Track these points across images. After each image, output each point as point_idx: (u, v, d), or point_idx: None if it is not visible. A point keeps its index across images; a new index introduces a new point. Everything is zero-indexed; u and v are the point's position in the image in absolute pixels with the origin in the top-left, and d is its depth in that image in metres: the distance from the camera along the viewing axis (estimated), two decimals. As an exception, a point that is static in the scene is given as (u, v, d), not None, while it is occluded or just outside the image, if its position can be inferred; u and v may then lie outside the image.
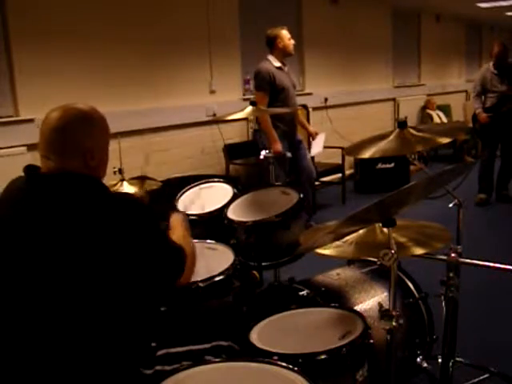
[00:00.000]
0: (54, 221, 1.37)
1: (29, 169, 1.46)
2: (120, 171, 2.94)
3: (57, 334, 1.35)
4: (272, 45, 4.52)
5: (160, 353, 1.59)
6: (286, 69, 4.61)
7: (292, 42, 4.55)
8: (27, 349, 1.36)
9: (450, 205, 2.02)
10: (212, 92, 5.36)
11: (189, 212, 2.68)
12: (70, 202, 1.39)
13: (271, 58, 4.53)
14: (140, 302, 1.48)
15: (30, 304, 1.36)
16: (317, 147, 4.96)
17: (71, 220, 1.36)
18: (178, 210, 2.31)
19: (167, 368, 1.54)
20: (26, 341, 1.37)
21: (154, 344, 1.59)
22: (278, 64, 4.51)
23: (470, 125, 5.79)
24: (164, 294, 1.63)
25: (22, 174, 1.47)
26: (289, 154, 3.86)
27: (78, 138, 1.45)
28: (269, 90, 4.41)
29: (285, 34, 4.50)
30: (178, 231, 1.82)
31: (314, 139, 4.94)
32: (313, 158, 5.72)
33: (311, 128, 5.07)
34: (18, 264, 1.38)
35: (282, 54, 4.53)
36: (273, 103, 4.40)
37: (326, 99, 6.74)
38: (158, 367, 1.54)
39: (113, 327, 1.41)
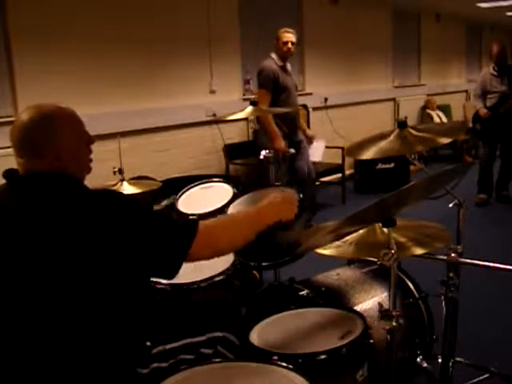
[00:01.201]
0: (28, 223, 1.36)
1: (8, 172, 1.46)
2: (120, 171, 2.93)
3: (51, 335, 1.34)
4: (275, 44, 4.56)
5: (155, 350, 1.58)
6: (288, 69, 4.63)
7: (288, 46, 4.52)
8: (22, 351, 1.35)
9: (450, 205, 2.02)
10: (212, 92, 5.36)
11: (189, 212, 2.68)
12: (41, 201, 1.38)
13: (275, 56, 4.54)
14: (137, 294, 1.46)
15: (20, 306, 1.35)
16: (314, 155, 4.96)
17: (44, 222, 1.35)
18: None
19: (164, 365, 1.54)
20: (20, 342, 1.36)
21: (148, 343, 1.58)
22: (280, 63, 4.53)
23: (470, 125, 5.80)
24: (171, 270, 1.50)
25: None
26: (292, 150, 3.87)
27: (39, 139, 1.43)
28: (272, 89, 4.41)
29: (282, 35, 4.52)
30: (254, 210, 1.72)
31: (310, 143, 4.94)
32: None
33: (309, 131, 5.07)
34: (5, 269, 1.37)
35: (281, 56, 4.56)
36: (274, 102, 4.41)
37: (325, 99, 6.74)
38: (155, 365, 1.53)
39: (106, 326, 1.39)
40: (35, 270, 1.34)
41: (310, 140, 4.96)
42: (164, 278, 1.54)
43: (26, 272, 1.35)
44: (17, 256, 1.36)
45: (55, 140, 1.44)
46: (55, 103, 1.50)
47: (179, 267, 1.48)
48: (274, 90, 4.42)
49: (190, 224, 1.54)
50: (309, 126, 6.05)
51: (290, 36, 4.53)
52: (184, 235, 1.49)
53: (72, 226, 1.34)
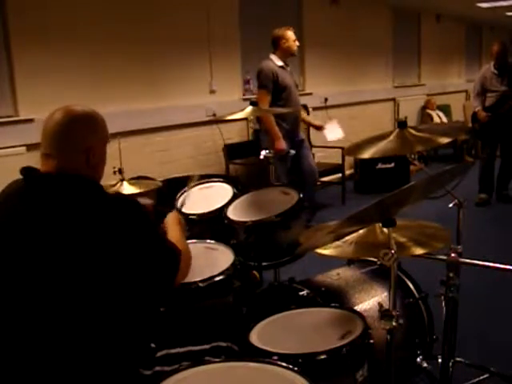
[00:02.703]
0: (50, 222, 1.38)
1: (26, 170, 1.47)
2: (120, 171, 2.93)
3: (55, 335, 1.35)
4: (276, 44, 4.56)
5: (160, 354, 1.59)
6: (288, 68, 4.64)
7: (296, 43, 4.62)
8: (26, 350, 1.36)
9: (450, 205, 2.02)
10: (212, 92, 5.36)
11: (189, 212, 2.68)
12: (66, 203, 1.40)
13: (274, 57, 4.55)
14: (137, 302, 1.48)
15: (28, 305, 1.36)
16: (332, 134, 4.96)
17: (67, 221, 1.37)
18: (175, 209, 2.29)
19: (167, 369, 1.54)
20: (25, 342, 1.37)
21: (153, 345, 1.58)
22: (280, 63, 4.54)
23: (470, 125, 5.79)
24: (160, 295, 1.62)
25: (20, 175, 1.48)
26: (292, 152, 3.88)
27: (81, 136, 1.49)
28: (272, 89, 4.42)
29: (290, 34, 4.56)
30: (173, 230, 1.83)
31: (324, 129, 4.96)
32: (312, 157, 5.74)
33: (316, 122, 5.09)
34: (15, 267, 1.38)
35: (286, 54, 4.57)
36: (275, 102, 4.42)
37: (326, 99, 6.74)
38: (158, 368, 1.54)
39: (111, 327, 1.40)
40: (40, 271, 1.35)
41: (321, 128, 4.98)
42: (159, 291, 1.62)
43: (32, 273, 1.36)
44: (26, 256, 1.37)
45: (90, 138, 1.50)
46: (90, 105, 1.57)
47: (170, 287, 1.58)
48: (274, 90, 4.43)
49: (176, 253, 1.60)
50: (309, 126, 6.05)
51: (293, 33, 4.60)
52: (172, 263, 1.58)
53: (81, 229, 1.36)
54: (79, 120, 1.49)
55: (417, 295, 2.24)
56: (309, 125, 5.09)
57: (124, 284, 1.41)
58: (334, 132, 4.96)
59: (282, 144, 4.34)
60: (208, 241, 2.41)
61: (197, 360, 1.60)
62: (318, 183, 6.17)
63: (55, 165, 1.45)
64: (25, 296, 1.37)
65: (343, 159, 6.09)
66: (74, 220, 1.37)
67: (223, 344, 1.70)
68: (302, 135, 4.83)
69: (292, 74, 4.71)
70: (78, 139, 1.48)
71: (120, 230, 1.41)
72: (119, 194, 1.60)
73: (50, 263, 1.35)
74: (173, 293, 1.75)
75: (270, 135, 4.39)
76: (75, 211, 1.39)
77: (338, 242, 1.83)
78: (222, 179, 2.97)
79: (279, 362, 1.46)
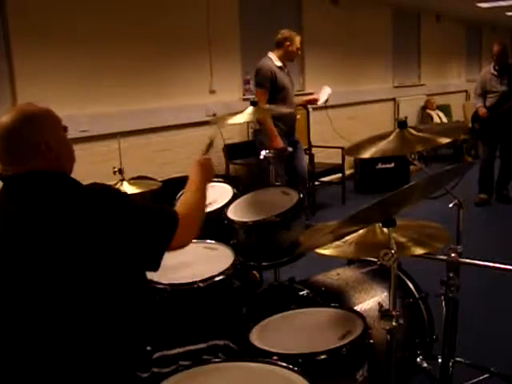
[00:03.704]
0: (25, 222, 1.36)
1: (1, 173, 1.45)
2: (120, 171, 2.93)
3: (49, 338, 1.34)
4: (281, 44, 4.57)
5: (156, 355, 1.58)
6: (286, 69, 4.64)
7: (299, 52, 4.68)
8: (20, 353, 1.35)
9: (450, 205, 2.02)
10: (212, 92, 5.36)
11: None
12: (37, 200, 1.37)
13: (273, 56, 4.54)
14: (130, 279, 1.45)
15: (19, 307, 1.35)
16: (323, 96, 4.97)
17: (41, 219, 1.35)
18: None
19: (164, 370, 1.53)
20: (18, 345, 1.35)
21: (149, 348, 1.57)
22: (279, 63, 4.54)
23: (469, 125, 5.79)
24: (155, 261, 1.52)
25: None
26: (290, 149, 3.89)
27: (29, 136, 1.42)
28: (269, 88, 4.42)
29: (298, 41, 4.61)
30: (188, 187, 1.73)
31: (318, 99, 4.96)
32: (312, 157, 5.75)
33: (310, 96, 5.10)
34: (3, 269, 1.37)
35: (286, 57, 4.58)
36: (272, 102, 4.41)
37: (326, 99, 6.73)
38: (155, 369, 1.53)
39: (104, 328, 1.39)
40: (30, 274, 1.34)
41: (315, 100, 4.99)
42: (148, 270, 1.55)
43: (22, 277, 1.34)
44: (12, 261, 1.36)
45: (42, 134, 1.44)
46: (30, 103, 1.51)
47: (161, 260, 1.49)
48: (271, 90, 4.43)
49: (170, 218, 1.53)
50: (309, 126, 6.05)
51: (300, 43, 4.66)
52: (165, 230, 1.49)
53: (63, 227, 1.34)
54: (20, 123, 1.42)
55: (417, 295, 2.24)
56: (306, 103, 5.13)
57: (112, 270, 1.38)
58: (324, 94, 4.99)
59: (280, 142, 4.34)
60: (208, 241, 2.41)
61: (194, 359, 1.60)
62: (318, 183, 6.18)
63: (20, 169, 1.41)
64: (14, 298, 1.35)
65: (343, 159, 6.09)
66: (46, 216, 1.35)
67: (220, 342, 1.69)
68: (297, 136, 4.83)
69: (289, 75, 4.71)
70: (26, 142, 1.41)
71: (95, 217, 1.36)
72: (91, 184, 1.48)
73: (33, 264, 1.33)
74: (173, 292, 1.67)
75: (268, 134, 4.39)
76: (44, 207, 1.36)
77: (337, 242, 1.83)
78: (222, 179, 2.97)
79: (279, 362, 1.46)
